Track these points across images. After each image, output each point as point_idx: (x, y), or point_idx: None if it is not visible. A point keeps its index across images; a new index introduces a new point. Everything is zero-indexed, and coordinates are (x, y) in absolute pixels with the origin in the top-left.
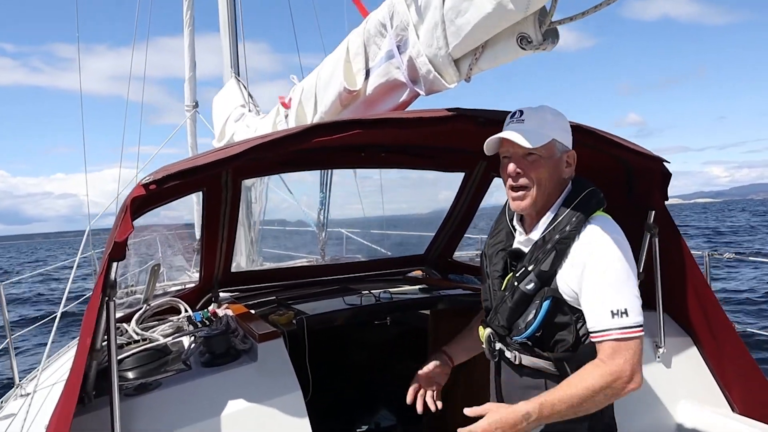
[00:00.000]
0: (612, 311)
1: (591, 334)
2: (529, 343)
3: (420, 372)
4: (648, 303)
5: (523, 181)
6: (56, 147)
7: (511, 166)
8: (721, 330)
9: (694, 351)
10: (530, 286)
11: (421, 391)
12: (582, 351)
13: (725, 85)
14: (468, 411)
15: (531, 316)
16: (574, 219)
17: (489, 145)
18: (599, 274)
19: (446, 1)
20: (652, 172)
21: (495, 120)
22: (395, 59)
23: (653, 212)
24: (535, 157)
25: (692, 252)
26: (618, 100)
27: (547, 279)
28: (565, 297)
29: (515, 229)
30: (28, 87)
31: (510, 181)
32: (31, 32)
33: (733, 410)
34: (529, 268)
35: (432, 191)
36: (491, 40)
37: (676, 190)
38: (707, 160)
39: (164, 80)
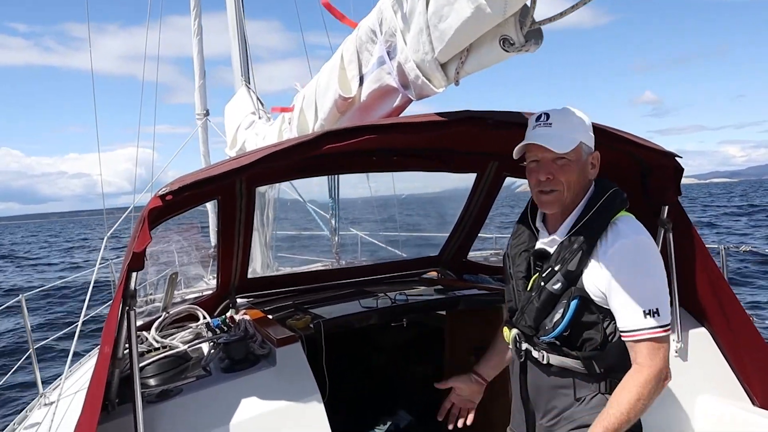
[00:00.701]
0: (645, 311)
1: (624, 333)
2: (557, 342)
3: (455, 395)
4: None
5: (554, 185)
6: (70, 126)
7: (543, 171)
8: (738, 323)
9: (711, 344)
10: (557, 285)
11: (454, 409)
12: (609, 349)
13: (745, 63)
14: None
15: (558, 316)
16: (600, 219)
17: (518, 149)
18: (630, 274)
19: (429, 7)
20: (666, 168)
21: (505, 122)
22: (386, 65)
23: (666, 207)
24: (565, 161)
25: (708, 246)
26: (634, 77)
27: (574, 279)
28: (592, 296)
29: (538, 230)
30: (41, 67)
31: (541, 185)
32: (44, 11)
33: (753, 403)
34: (556, 268)
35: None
36: (475, 43)
37: (691, 169)
38: (723, 140)
39: (177, 59)
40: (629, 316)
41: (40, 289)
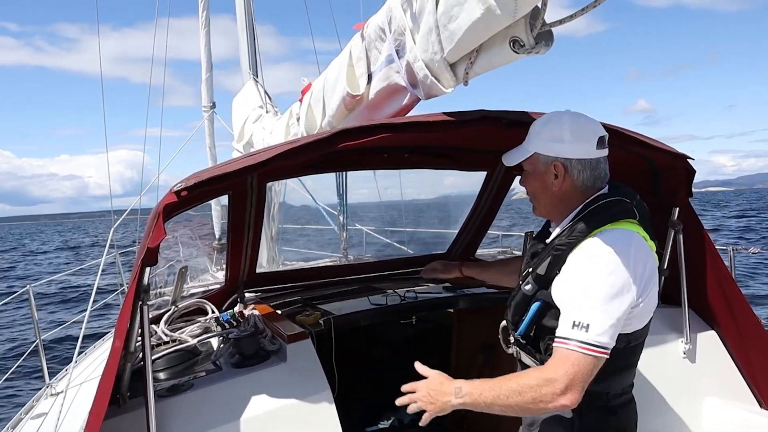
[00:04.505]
0: (574, 321)
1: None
2: (523, 341)
3: (439, 265)
4: (673, 299)
5: (528, 191)
6: (61, 128)
7: (519, 179)
8: (747, 325)
9: (720, 346)
10: (528, 287)
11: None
12: None
13: (736, 74)
14: (418, 367)
15: (522, 316)
16: (577, 229)
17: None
18: (578, 284)
19: (439, 6)
20: (677, 170)
21: (519, 122)
22: (395, 63)
23: (677, 209)
24: (526, 172)
25: (717, 247)
26: (627, 86)
27: (543, 283)
28: (557, 304)
29: (550, 233)
30: (32, 67)
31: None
32: (35, 12)
33: (760, 406)
34: (530, 270)
35: (437, 177)
36: (485, 44)
37: None
38: (714, 149)
39: (169, 61)
40: (561, 323)
41: (48, 279)
